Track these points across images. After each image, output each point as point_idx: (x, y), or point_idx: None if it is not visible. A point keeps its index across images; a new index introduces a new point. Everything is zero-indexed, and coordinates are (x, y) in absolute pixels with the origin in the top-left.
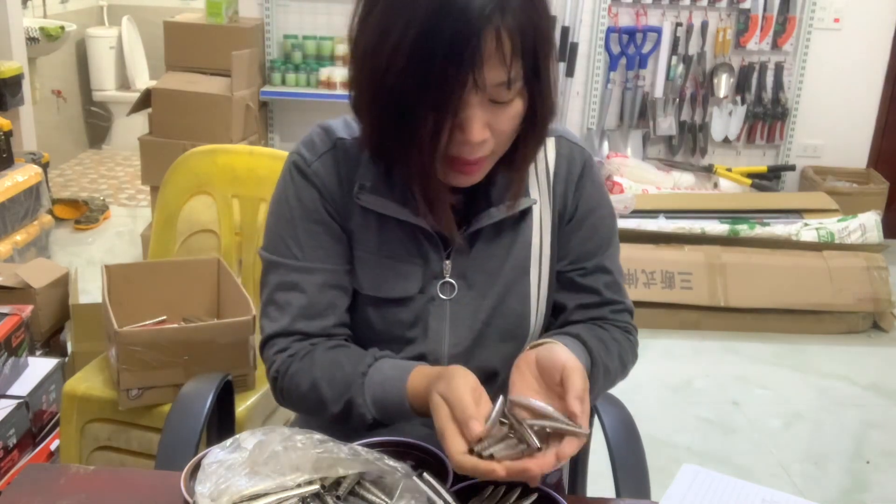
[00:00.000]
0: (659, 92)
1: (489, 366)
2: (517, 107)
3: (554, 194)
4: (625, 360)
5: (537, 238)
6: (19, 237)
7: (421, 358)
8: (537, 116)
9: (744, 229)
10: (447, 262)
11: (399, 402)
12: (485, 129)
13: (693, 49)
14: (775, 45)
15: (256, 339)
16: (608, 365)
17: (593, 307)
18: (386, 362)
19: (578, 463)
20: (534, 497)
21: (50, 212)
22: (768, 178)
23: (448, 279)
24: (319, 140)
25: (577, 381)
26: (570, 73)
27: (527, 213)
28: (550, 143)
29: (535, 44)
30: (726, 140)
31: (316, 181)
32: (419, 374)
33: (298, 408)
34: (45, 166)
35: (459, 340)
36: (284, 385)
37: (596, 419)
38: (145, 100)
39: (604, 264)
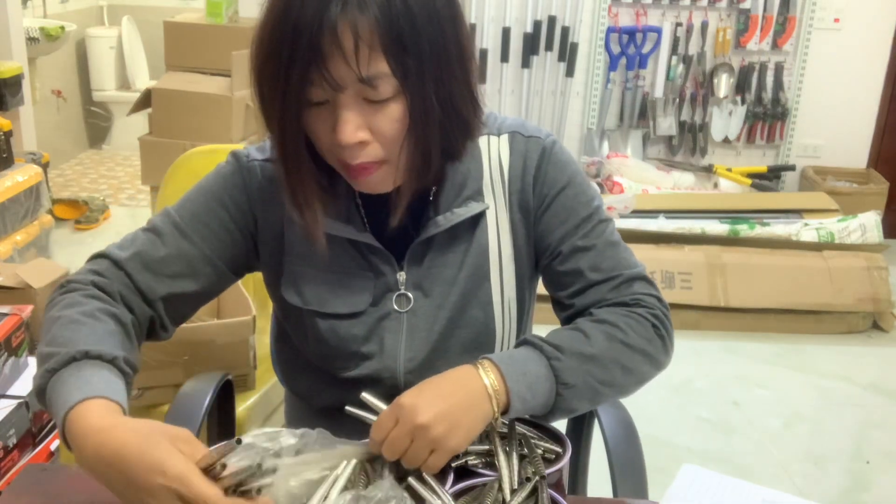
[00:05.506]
0: (659, 92)
1: None
2: (396, 109)
3: (509, 194)
4: (618, 336)
5: (495, 243)
6: (19, 237)
7: (378, 374)
8: (420, 120)
9: (744, 229)
10: (401, 273)
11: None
12: (359, 130)
13: (693, 49)
14: (775, 45)
15: (256, 338)
16: (581, 350)
17: (582, 293)
18: (98, 371)
19: (579, 463)
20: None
21: (50, 212)
22: (768, 178)
23: (403, 291)
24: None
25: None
26: (570, 73)
27: (481, 218)
28: (504, 141)
29: (410, 42)
30: (726, 140)
31: (245, 176)
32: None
33: (47, 322)
34: (45, 166)
35: (415, 354)
36: (59, 299)
37: (595, 419)
38: (145, 100)
39: (581, 244)
